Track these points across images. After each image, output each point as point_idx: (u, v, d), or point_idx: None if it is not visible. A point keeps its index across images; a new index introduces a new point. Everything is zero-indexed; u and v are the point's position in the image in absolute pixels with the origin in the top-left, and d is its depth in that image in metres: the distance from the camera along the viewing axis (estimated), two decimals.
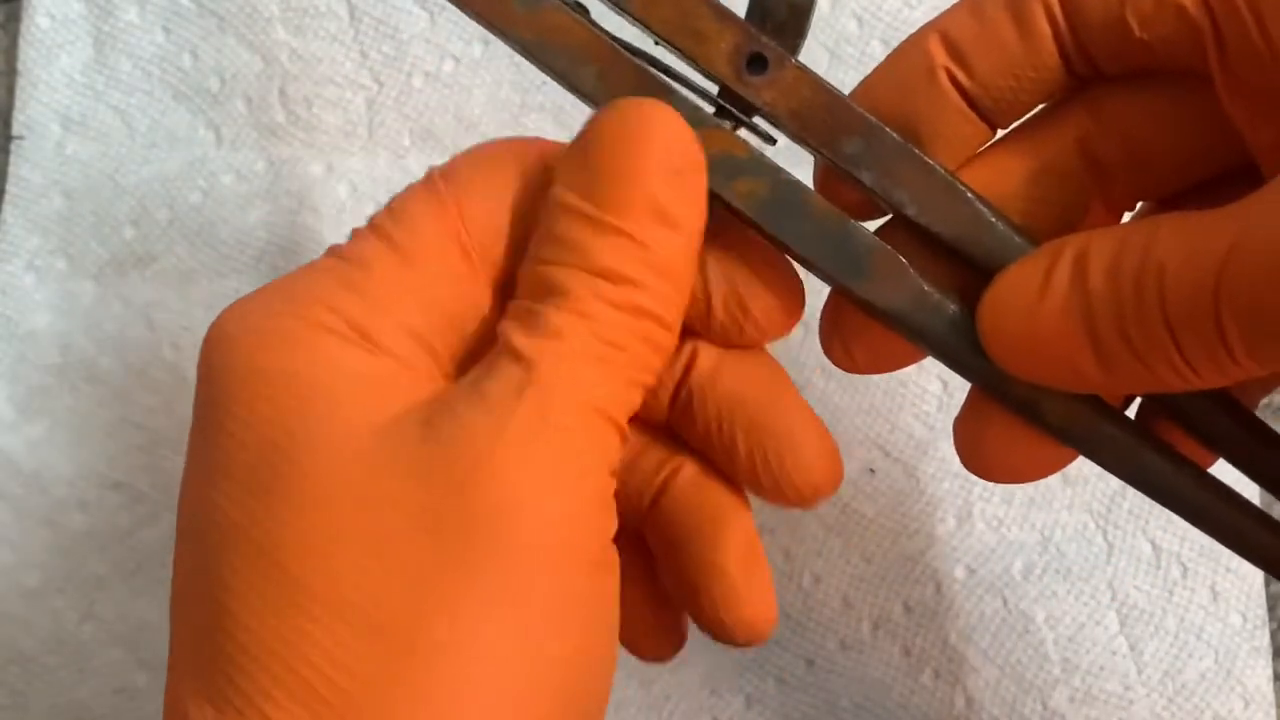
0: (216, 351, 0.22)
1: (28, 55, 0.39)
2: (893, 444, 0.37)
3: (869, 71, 0.26)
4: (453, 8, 0.40)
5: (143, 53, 0.39)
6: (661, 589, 0.27)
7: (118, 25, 0.39)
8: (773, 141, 0.25)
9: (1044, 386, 0.24)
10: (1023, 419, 0.24)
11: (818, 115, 0.24)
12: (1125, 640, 0.36)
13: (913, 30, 0.25)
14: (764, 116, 0.25)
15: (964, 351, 0.24)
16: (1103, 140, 0.24)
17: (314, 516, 0.20)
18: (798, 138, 0.25)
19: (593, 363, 0.21)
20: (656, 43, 0.25)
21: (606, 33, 0.24)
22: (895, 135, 0.24)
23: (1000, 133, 0.25)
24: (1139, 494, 0.36)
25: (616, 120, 0.22)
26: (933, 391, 0.37)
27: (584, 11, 0.25)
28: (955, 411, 0.36)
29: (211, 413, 0.22)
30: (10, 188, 0.39)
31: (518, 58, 0.26)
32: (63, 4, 0.39)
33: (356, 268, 0.23)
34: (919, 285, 0.24)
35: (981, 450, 0.25)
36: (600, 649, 0.22)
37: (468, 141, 0.26)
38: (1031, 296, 0.22)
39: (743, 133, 0.25)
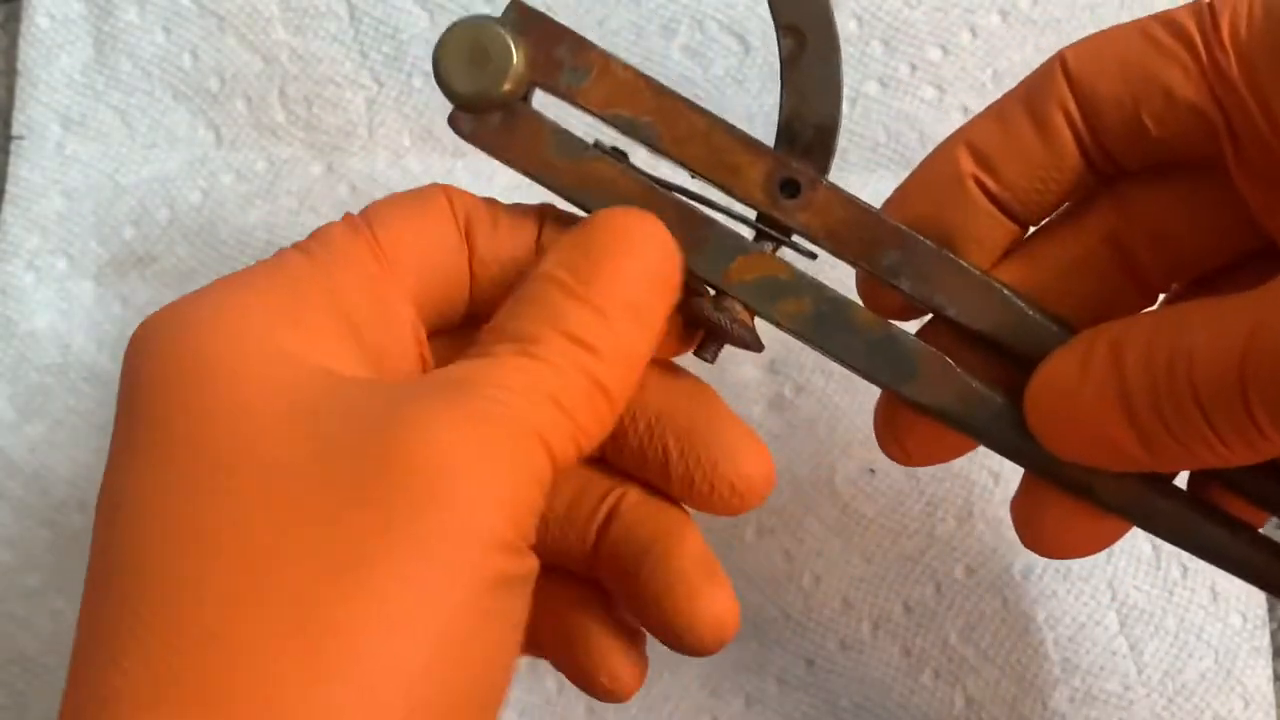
0: (140, 342, 0.23)
1: (28, 55, 0.39)
2: None
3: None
4: (453, 7, 0.40)
5: (143, 53, 0.39)
6: (620, 619, 0.27)
7: (118, 25, 0.39)
8: (813, 256, 0.26)
9: (1094, 467, 0.25)
10: (1077, 499, 0.26)
11: (853, 232, 0.26)
12: (1125, 640, 0.36)
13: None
14: (802, 236, 0.26)
15: (1014, 439, 0.26)
16: (1129, 232, 0.26)
17: (227, 485, 0.21)
18: (837, 254, 0.26)
19: (544, 401, 0.22)
20: (693, 177, 0.26)
21: (644, 174, 0.26)
22: (929, 243, 0.26)
23: (1032, 229, 0.26)
24: None
25: (616, 220, 0.24)
26: None
27: (623, 156, 0.26)
28: None
29: (133, 397, 0.22)
30: (10, 188, 0.39)
31: None
32: (63, 4, 0.39)
33: (276, 269, 0.24)
34: (965, 382, 0.26)
35: (1040, 530, 0.27)
36: (497, 657, 0.22)
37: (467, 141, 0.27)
38: (1072, 383, 0.24)
39: (785, 251, 0.26)
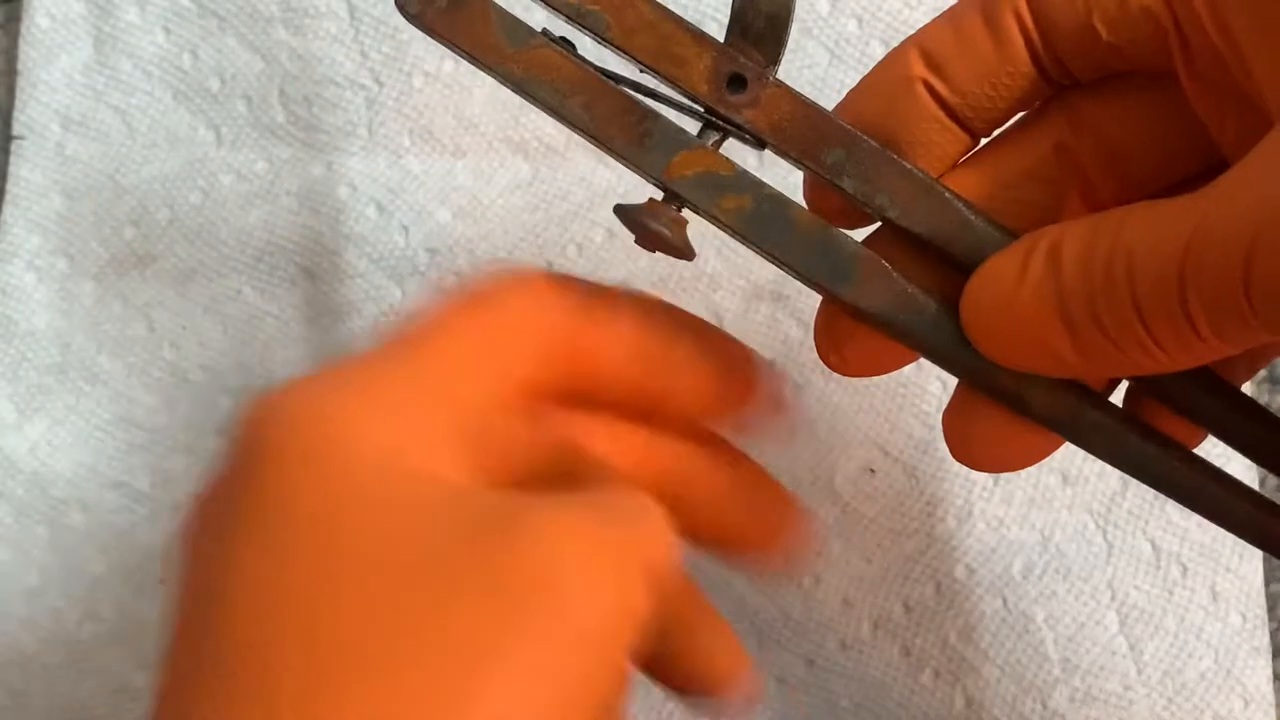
0: (260, 424, 0.22)
1: (28, 55, 0.39)
2: (893, 444, 0.37)
3: (869, 73, 0.26)
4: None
5: (143, 53, 0.39)
6: None
7: (118, 25, 0.39)
8: (762, 146, 0.26)
9: (1028, 376, 0.24)
10: (1009, 410, 0.25)
11: (798, 128, 0.25)
12: (1125, 640, 0.36)
13: (913, 31, 0.25)
14: (747, 133, 0.26)
15: (949, 347, 0.25)
16: (1080, 144, 0.25)
17: (356, 580, 0.20)
18: (780, 151, 0.26)
19: (656, 539, 0.23)
20: (641, 70, 0.26)
21: (591, 64, 0.25)
22: (874, 143, 0.25)
23: (984, 142, 0.26)
24: (1139, 494, 0.36)
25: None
26: (933, 391, 0.37)
27: (570, 46, 0.26)
28: None
29: (251, 479, 0.21)
30: (10, 188, 0.39)
31: None
32: (63, 4, 0.39)
33: (400, 368, 0.23)
34: (903, 286, 0.25)
35: (970, 442, 0.26)
36: None
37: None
38: (1010, 285, 0.23)
39: (731, 145, 0.26)
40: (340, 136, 0.39)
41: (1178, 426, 0.26)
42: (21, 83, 0.39)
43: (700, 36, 0.26)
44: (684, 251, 0.26)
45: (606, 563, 0.21)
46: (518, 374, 0.24)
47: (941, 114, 0.25)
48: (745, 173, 0.25)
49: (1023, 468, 0.27)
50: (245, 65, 0.39)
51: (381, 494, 0.21)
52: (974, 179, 0.26)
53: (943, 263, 0.25)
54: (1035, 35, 0.24)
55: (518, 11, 0.26)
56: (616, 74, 0.26)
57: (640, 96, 0.26)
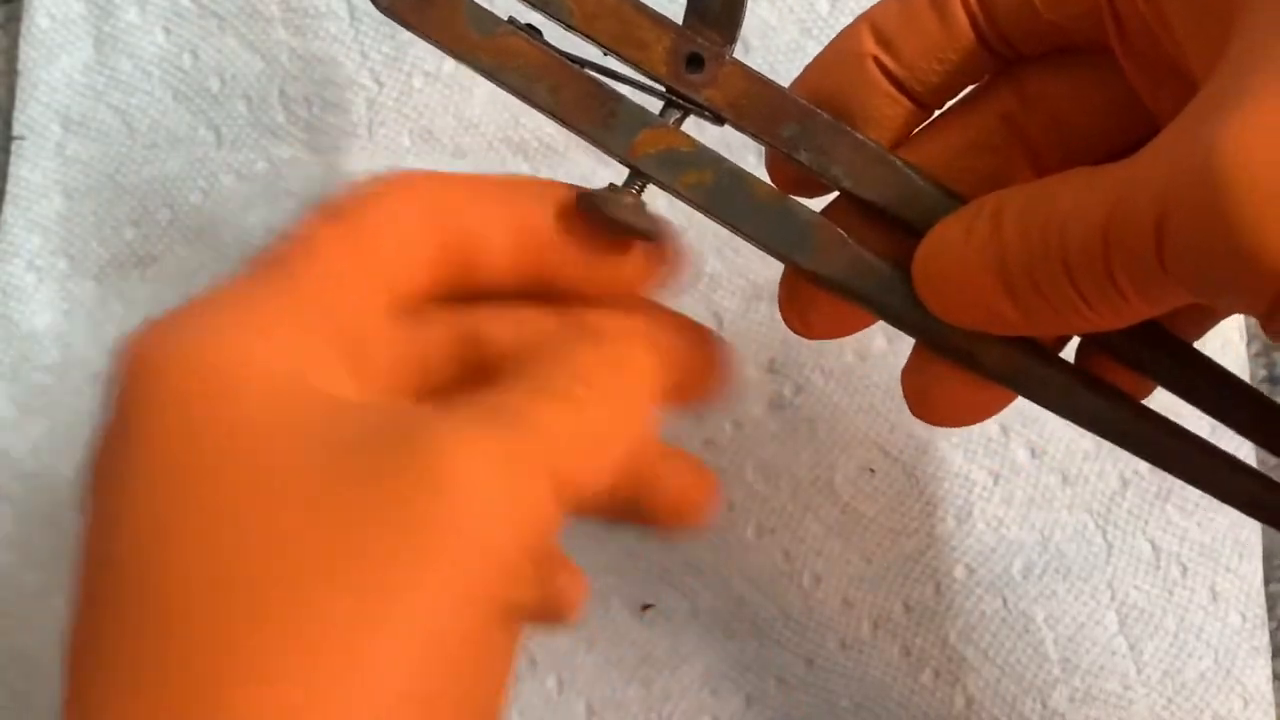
0: (136, 357, 0.22)
1: (28, 55, 0.39)
2: (893, 444, 0.37)
3: (823, 50, 0.27)
4: None
5: (143, 53, 0.39)
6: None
7: (118, 26, 0.39)
8: (721, 122, 0.27)
9: (979, 335, 0.26)
10: (962, 366, 0.27)
11: (754, 105, 0.27)
12: (1125, 640, 0.36)
13: None
14: (706, 110, 0.27)
15: (904, 309, 0.26)
16: (1027, 117, 0.26)
17: (246, 494, 0.21)
18: (739, 126, 0.27)
19: (565, 444, 0.23)
20: (605, 54, 0.27)
21: (557, 50, 0.26)
22: (827, 116, 0.26)
23: (936, 114, 0.27)
24: (1139, 494, 0.36)
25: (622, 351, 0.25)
26: None
27: (536, 33, 0.27)
28: None
29: (129, 410, 0.22)
30: (11, 188, 0.39)
31: None
32: (63, 4, 0.39)
33: (269, 286, 0.24)
34: (858, 253, 0.26)
35: (926, 398, 0.27)
36: (492, 679, 0.22)
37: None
38: (956, 248, 0.24)
39: (693, 122, 0.27)
40: (341, 137, 0.39)
41: (1126, 379, 0.27)
42: (22, 83, 0.39)
43: (659, 19, 0.27)
44: (648, 232, 0.27)
45: (505, 475, 0.21)
46: (397, 281, 0.25)
47: (892, 88, 0.26)
48: (705, 148, 0.26)
49: (976, 421, 0.28)
50: (245, 65, 0.39)
51: (271, 419, 0.21)
52: (927, 150, 0.27)
53: (897, 229, 0.27)
54: (979, 12, 0.25)
55: (488, 1, 0.27)
56: (581, 58, 0.27)
57: (604, 79, 0.27)
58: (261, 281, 0.24)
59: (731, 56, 0.27)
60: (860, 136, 0.26)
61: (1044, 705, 0.35)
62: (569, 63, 0.26)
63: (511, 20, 0.27)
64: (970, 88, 0.27)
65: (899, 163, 0.26)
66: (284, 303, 0.23)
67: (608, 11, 0.27)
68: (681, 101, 0.27)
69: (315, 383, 0.22)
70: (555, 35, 0.27)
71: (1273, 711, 0.35)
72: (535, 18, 0.27)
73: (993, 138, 0.27)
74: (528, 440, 0.22)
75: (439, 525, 0.20)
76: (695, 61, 0.27)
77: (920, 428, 0.37)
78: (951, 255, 0.25)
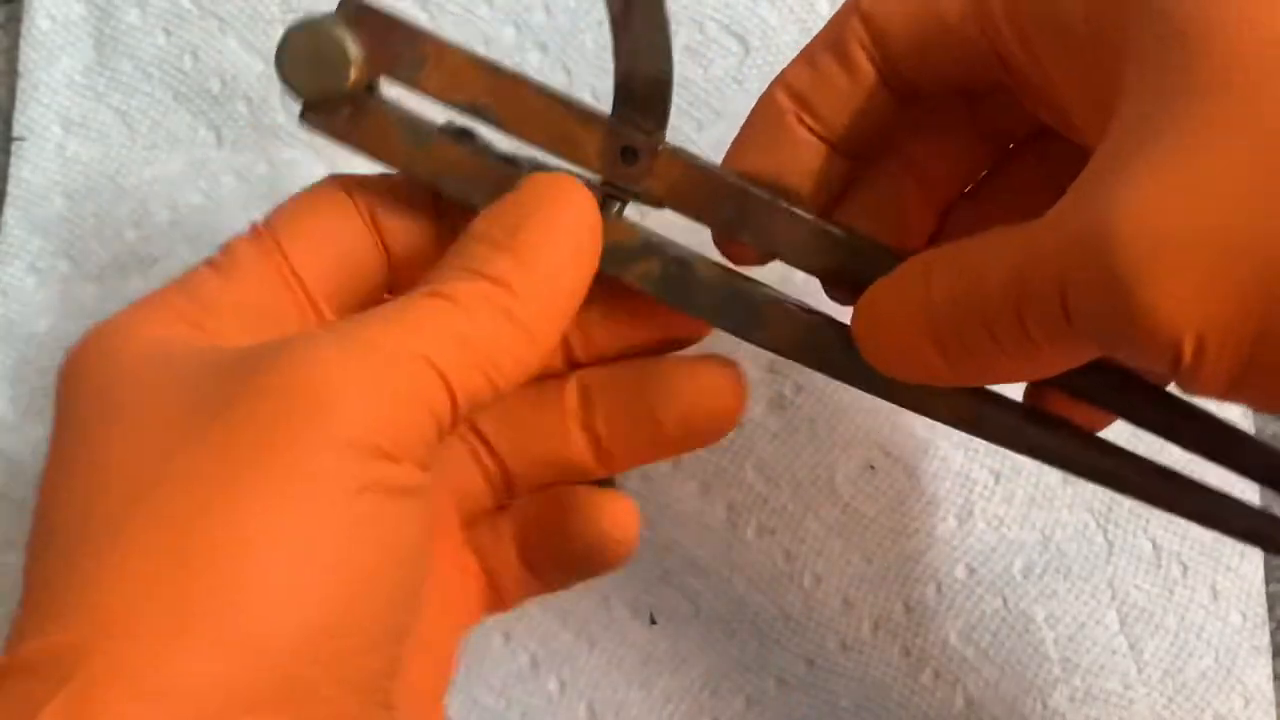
0: (67, 361, 0.25)
1: (28, 56, 0.39)
2: (893, 443, 0.37)
3: (745, 123, 0.28)
4: (452, 7, 0.40)
5: (144, 54, 0.39)
6: (585, 489, 0.30)
7: (119, 27, 0.39)
8: (661, 205, 0.28)
9: (927, 387, 0.26)
10: (917, 412, 0.28)
11: (691, 190, 0.27)
12: (1125, 639, 0.36)
13: None
14: (644, 200, 0.27)
15: (855, 370, 0.27)
16: (922, 153, 0.28)
17: (119, 436, 0.22)
18: (679, 210, 0.27)
19: (443, 334, 0.23)
20: (542, 152, 0.27)
21: (493, 151, 0.27)
22: (762, 193, 0.27)
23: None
24: None
25: (540, 183, 0.26)
26: None
27: (470, 137, 0.27)
28: None
29: (57, 404, 0.24)
30: (11, 189, 0.39)
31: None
32: (64, 5, 0.40)
33: (187, 286, 0.26)
34: (809, 321, 0.27)
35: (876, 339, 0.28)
36: (382, 572, 0.22)
37: (320, 135, 0.28)
38: (889, 308, 0.25)
39: (632, 208, 0.28)
40: (337, 175, 0.39)
41: (1079, 412, 0.28)
42: (22, 84, 0.39)
43: (588, 115, 0.27)
44: None
45: (361, 367, 0.22)
46: (315, 280, 0.26)
47: (818, 142, 0.27)
48: (650, 238, 0.27)
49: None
50: (246, 66, 0.39)
51: (147, 370, 0.23)
52: (856, 202, 0.28)
53: (851, 287, 0.27)
54: (881, 63, 0.26)
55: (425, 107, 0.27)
56: (518, 157, 0.27)
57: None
58: (174, 283, 0.26)
59: (664, 145, 0.27)
60: (795, 210, 0.27)
61: (1044, 705, 0.35)
62: (505, 164, 0.27)
63: (445, 127, 0.27)
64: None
65: (835, 230, 0.27)
66: (184, 292, 0.25)
67: (534, 114, 0.27)
68: (619, 194, 0.27)
69: (208, 340, 0.24)
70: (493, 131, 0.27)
71: (1273, 711, 0.35)
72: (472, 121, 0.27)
73: (900, 181, 0.28)
74: (392, 334, 0.23)
75: (286, 422, 0.21)
76: (629, 154, 0.27)
77: (921, 427, 0.37)
78: (885, 315, 0.25)
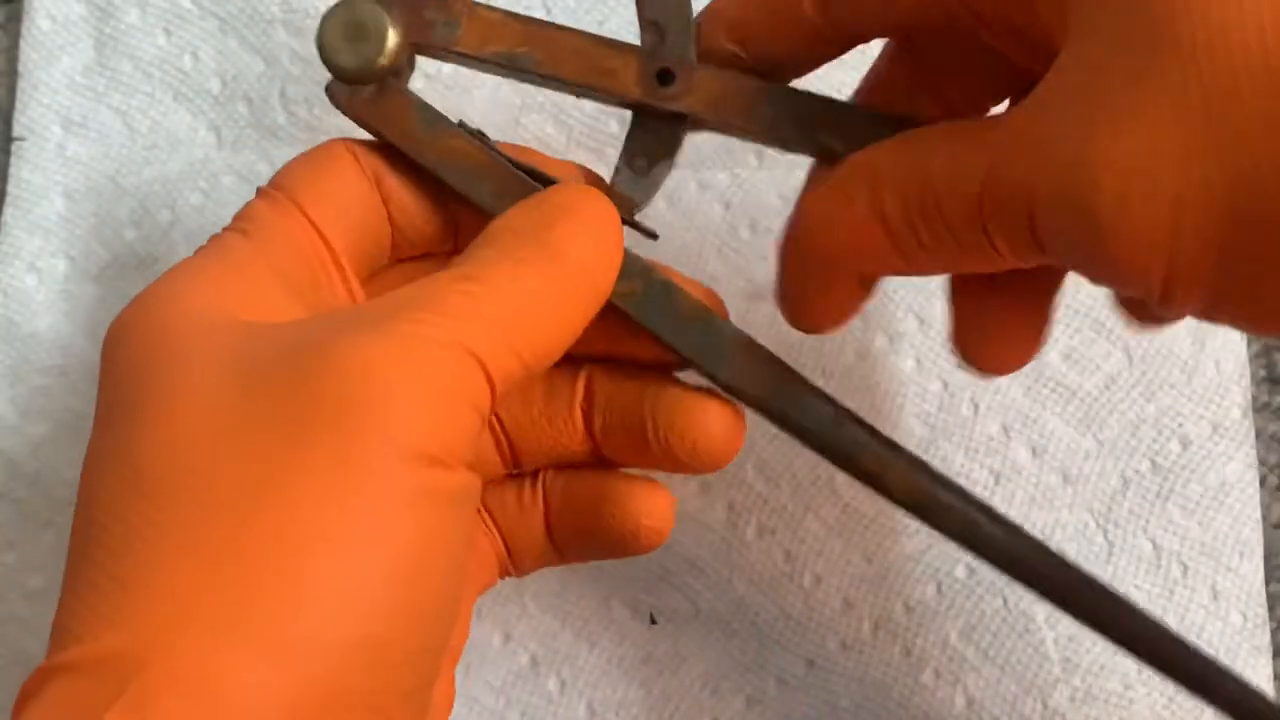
0: (110, 334, 0.25)
1: (28, 56, 0.39)
2: None
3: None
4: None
5: (144, 54, 0.39)
6: (626, 477, 0.29)
7: (119, 27, 0.39)
8: (654, 236, 0.28)
9: (887, 460, 0.27)
10: (870, 487, 0.28)
11: (731, 101, 0.28)
12: None
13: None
14: (688, 119, 0.28)
15: (825, 431, 0.27)
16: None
17: (167, 422, 0.22)
18: (722, 127, 0.28)
19: (481, 321, 0.23)
20: (578, 95, 0.28)
21: (500, 154, 0.28)
22: (803, 91, 0.28)
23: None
24: (1139, 493, 0.36)
25: (571, 189, 0.27)
26: (933, 391, 0.37)
27: (484, 138, 0.28)
28: (956, 412, 0.37)
29: (102, 381, 0.24)
30: (11, 189, 0.39)
31: None
32: (64, 5, 0.40)
33: (219, 251, 0.26)
34: (778, 368, 0.27)
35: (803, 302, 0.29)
36: (432, 573, 0.22)
37: (341, 110, 0.28)
38: (838, 206, 0.25)
39: (628, 234, 0.28)
40: (341, 138, 0.39)
41: (1015, 322, 0.28)
42: (22, 84, 0.39)
43: (621, 46, 0.28)
44: None
45: (403, 363, 0.22)
46: (334, 240, 0.27)
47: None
48: (637, 260, 0.27)
49: (841, 322, 0.29)
50: (246, 67, 0.39)
51: (194, 350, 0.23)
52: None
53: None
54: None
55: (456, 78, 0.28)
56: (525, 165, 0.28)
57: (538, 184, 0.27)
58: (205, 250, 0.26)
59: (698, 63, 0.27)
60: (839, 101, 0.27)
61: (1045, 705, 0.35)
62: (513, 168, 0.27)
63: (461, 124, 0.28)
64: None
65: (885, 117, 0.27)
66: (220, 259, 0.25)
67: (571, 53, 0.28)
68: (657, 111, 0.28)
69: (252, 313, 0.24)
70: (507, 122, 0.28)
71: None
72: (508, 85, 0.28)
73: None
74: (433, 323, 0.22)
75: (337, 425, 0.21)
76: (666, 75, 0.28)
77: (921, 427, 0.37)
78: (831, 214, 0.26)
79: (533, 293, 0.24)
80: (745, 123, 0.27)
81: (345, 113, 0.28)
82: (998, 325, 0.28)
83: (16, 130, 0.39)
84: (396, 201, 0.28)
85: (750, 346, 0.27)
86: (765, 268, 0.37)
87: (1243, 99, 0.19)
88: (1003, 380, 0.37)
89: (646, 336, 0.28)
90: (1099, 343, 0.37)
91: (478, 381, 0.23)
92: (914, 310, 0.37)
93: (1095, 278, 0.22)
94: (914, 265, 0.25)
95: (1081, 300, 0.37)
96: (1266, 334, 0.27)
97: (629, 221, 0.27)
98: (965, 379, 0.37)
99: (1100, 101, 0.20)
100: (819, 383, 0.37)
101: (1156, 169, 0.20)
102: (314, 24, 0.39)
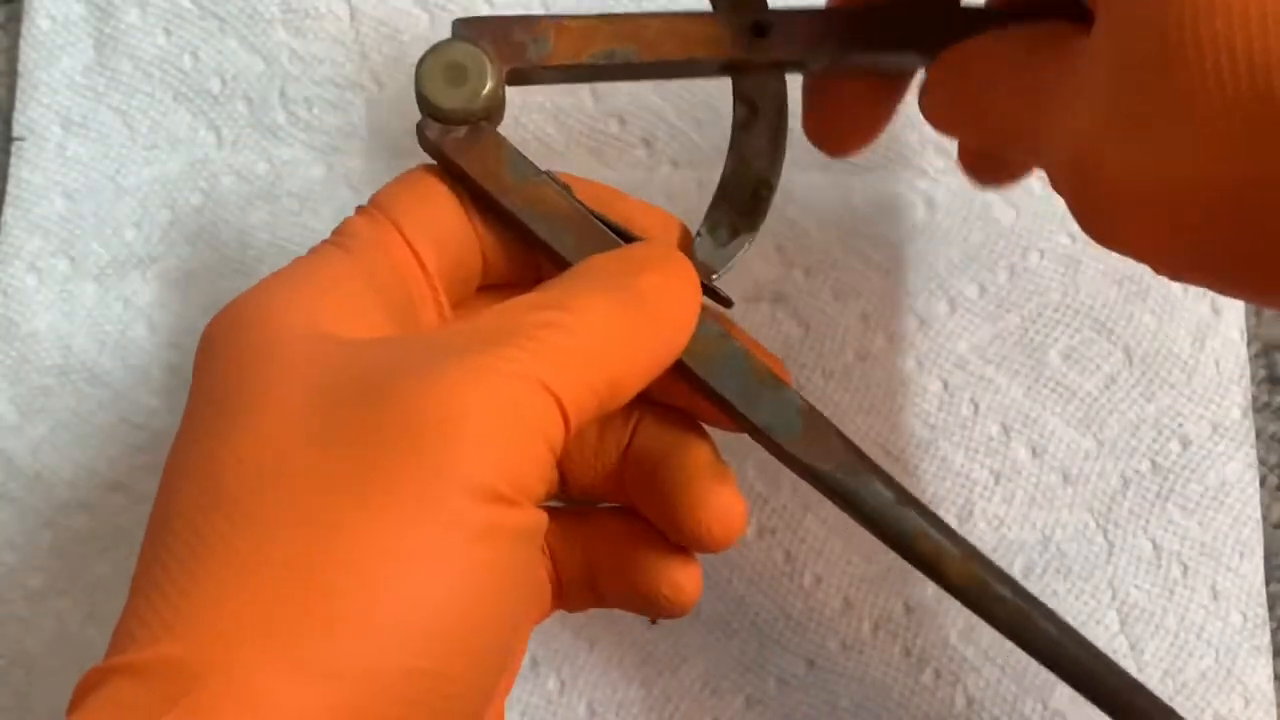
0: (203, 339, 0.25)
1: (28, 56, 0.39)
2: (893, 443, 0.37)
3: None
4: (453, 8, 0.40)
5: (143, 54, 0.39)
6: (665, 540, 0.29)
7: (119, 27, 0.39)
8: (730, 304, 0.29)
9: (943, 548, 0.28)
10: (928, 574, 0.28)
11: (825, 37, 0.28)
12: (1126, 639, 0.36)
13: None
14: (789, 66, 0.29)
15: (881, 509, 0.28)
16: None
17: (248, 438, 0.22)
18: (817, 66, 0.29)
19: (562, 357, 0.23)
20: (671, 76, 0.29)
21: (582, 204, 0.28)
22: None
23: None
24: (1139, 493, 0.36)
25: (657, 246, 0.27)
26: (933, 391, 0.37)
27: (567, 189, 0.28)
28: (956, 412, 0.37)
29: (193, 386, 0.24)
30: (11, 189, 0.39)
31: None
32: (63, 5, 0.39)
33: (318, 263, 0.26)
34: (846, 445, 0.28)
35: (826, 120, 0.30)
36: (493, 611, 0.22)
37: (429, 149, 0.28)
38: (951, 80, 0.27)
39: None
40: (341, 138, 0.39)
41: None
42: (22, 84, 0.39)
43: (700, 15, 0.28)
44: None
45: (483, 400, 0.22)
46: (429, 263, 0.27)
47: None
48: (714, 323, 0.27)
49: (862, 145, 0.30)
50: (246, 66, 0.39)
51: (286, 355, 0.23)
52: None
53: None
54: None
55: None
56: (610, 221, 0.28)
57: (620, 239, 0.28)
58: (304, 261, 0.26)
59: (788, 11, 0.28)
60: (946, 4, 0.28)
61: (1045, 705, 0.35)
62: (594, 219, 0.28)
63: (549, 174, 0.28)
64: None
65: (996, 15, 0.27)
66: (317, 271, 0.26)
67: (663, 34, 0.28)
68: (759, 65, 0.28)
69: (345, 329, 0.24)
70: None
71: (1274, 711, 0.35)
72: (611, 88, 0.29)
73: None
74: (513, 356, 0.22)
75: (407, 457, 0.21)
76: (761, 28, 0.28)
77: (921, 427, 0.37)
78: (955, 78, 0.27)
79: (617, 330, 0.24)
80: (839, 59, 0.28)
81: (433, 153, 0.28)
82: (850, 116, 0.29)
83: (16, 130, 0.39)
84: (485, 236, 0.28)
85: (818, 420, 0.28)
86: (765, 268, 0.37)
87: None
88: (1003, 380, 0.37)
89: (712, 400, 0.28)
90: (1099, 343, 0.37)
91: (553, 417, 0.22)
92: (914, 310, 0.37)
93: (1089, 227, 0.23)
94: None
95: (1081, 300, 0.37)
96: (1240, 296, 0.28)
97: (706, 286, 0.28)
98: (965, 379, 0.37)
99: (1119, 100, 0.21)
100: (819, 383, 0.37)
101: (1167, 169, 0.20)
102: (314, 23, 0.39)
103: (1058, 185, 0.23)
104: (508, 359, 0.22)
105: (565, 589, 0.30)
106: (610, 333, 0.24)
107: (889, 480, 0.28)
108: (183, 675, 0.19)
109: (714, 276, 0.28)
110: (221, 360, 0.24)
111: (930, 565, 0.27)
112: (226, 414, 0.22)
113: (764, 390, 0.27)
